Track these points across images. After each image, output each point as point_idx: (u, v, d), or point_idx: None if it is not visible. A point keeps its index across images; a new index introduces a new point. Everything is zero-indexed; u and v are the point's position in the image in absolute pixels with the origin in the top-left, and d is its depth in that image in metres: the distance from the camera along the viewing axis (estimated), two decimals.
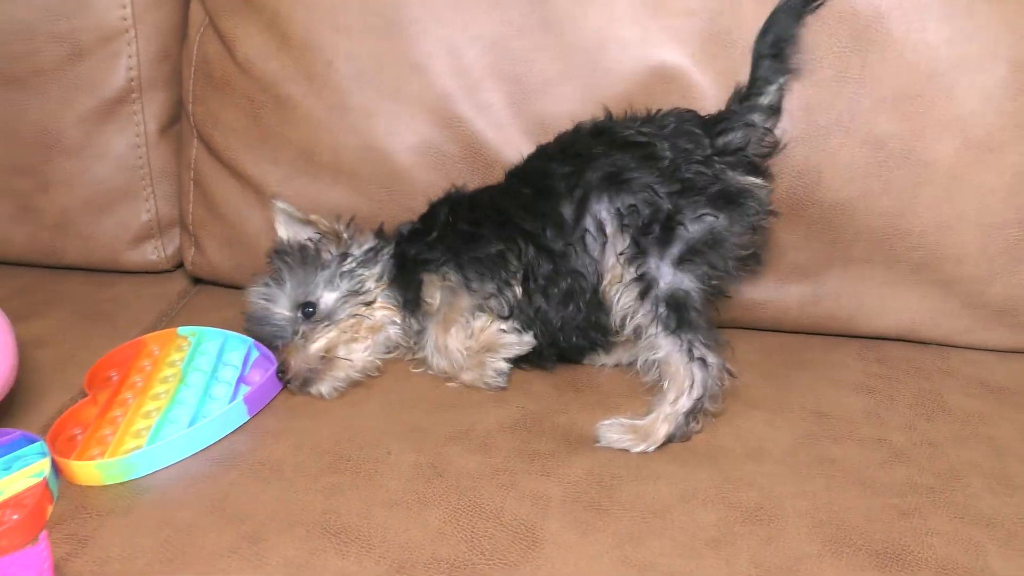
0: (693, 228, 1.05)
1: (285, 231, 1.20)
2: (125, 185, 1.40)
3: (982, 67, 1.08)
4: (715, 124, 1.10)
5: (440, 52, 1.19)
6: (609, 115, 1.14)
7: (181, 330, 1.22)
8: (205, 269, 1.38)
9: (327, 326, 1.14)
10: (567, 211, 1.09)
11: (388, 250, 1.20)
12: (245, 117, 1.27)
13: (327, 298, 1.16)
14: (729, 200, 1.06)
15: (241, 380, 1.13)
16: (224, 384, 1.12)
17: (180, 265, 1.45)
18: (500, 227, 1.12)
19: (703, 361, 1.03)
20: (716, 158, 1.07)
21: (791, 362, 1.17)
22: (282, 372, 1.11)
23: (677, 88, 1.15)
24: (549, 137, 1.18)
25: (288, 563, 0.86)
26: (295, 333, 1.14)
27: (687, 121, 1.10)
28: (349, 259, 1.18)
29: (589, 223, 1.08)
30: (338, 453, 1.01)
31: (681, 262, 1.05)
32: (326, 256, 1.18)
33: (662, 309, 1.04)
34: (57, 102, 1.35)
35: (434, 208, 1.19)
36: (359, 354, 1.15)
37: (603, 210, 1.07)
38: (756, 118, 1.10)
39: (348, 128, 1.23)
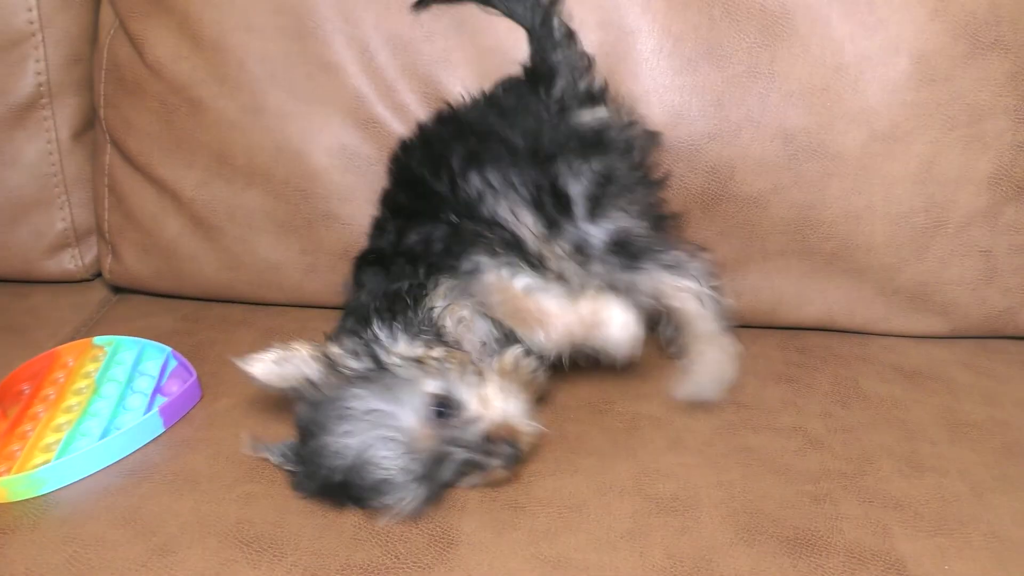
0: (577, 184, 1.05)
1: (284, 383, 0.94)
2: (38, 193, 1.36)
3: (885, 60, 1.10)
4: (541, 82, 1.10)
5: (353, 53, 1.17)
6: (450, 107, 1.13)
7: (97, 340, 1.19)
8: (124, 277, 1.35)
9: (468, 401, 0.92)
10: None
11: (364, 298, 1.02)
12: (158, 121, 1.24)
13: (428, 384, 0.91)
14: (589, 144, 1.07)
15: (158, 391, 1.11)
16: (140, 394, 1.10)
17: (99, 274, 1.41)
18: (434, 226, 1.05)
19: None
20: (559, 114, 1.08)
21: None
22: (518, 454, 0.91)
23: None
24: None
25: (198, 575, 0.84)
26: (458, 438, 0.90)
27: (522, 96, 1.10)
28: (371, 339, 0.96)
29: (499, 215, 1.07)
30: (255, 462, 0.98)
31: (593, 214, 1.05)
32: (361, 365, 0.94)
33: (612, 259, 1.04)
34: None
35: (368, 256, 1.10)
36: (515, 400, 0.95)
37: (497, 208, 1.06)
38: (563, 54, 1.11)
39: (262, 130, 1.21)
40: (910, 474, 0.96)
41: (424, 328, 0.96)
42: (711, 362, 1.07)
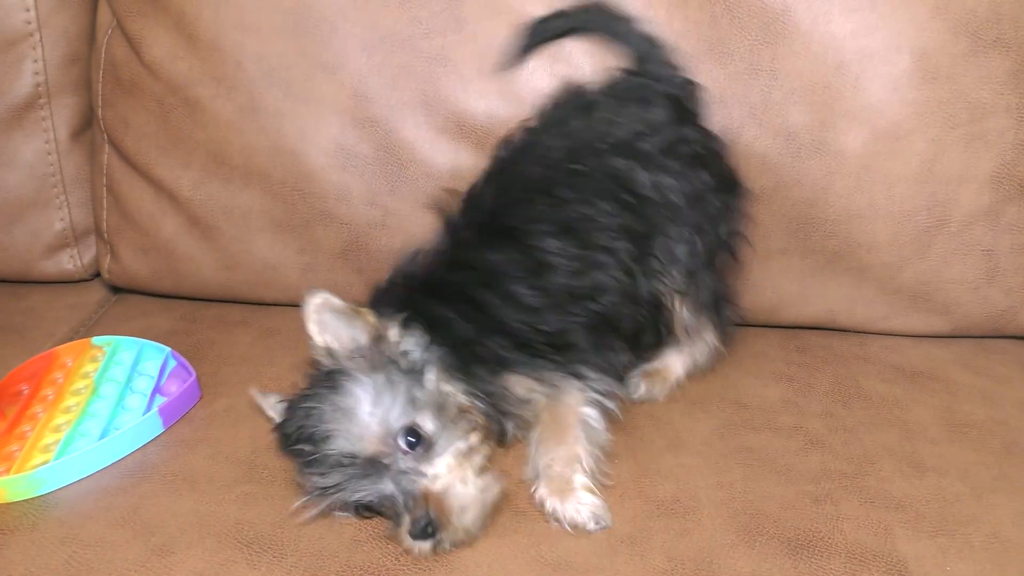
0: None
1: (323, 332, 0.92)
2: (36, 193, 1.35)
3: (887, 58, 1.10)
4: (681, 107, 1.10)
5: (350, 51, 1.17)
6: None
7: (96, 340, 1.19)
8: (122, 277, 1.35)
9: (440, 457, 0.89)
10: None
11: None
12: (155, 120, 1.24)
13: (427, 420, 0.90)
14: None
15: (157, 391, 1.10)
16: (139, 395, 1.09)
17: (98, 274, 1.41)
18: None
19: None
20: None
21: None
22: (432, 529, 0.85)
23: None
24: (465, 136, 1.17)
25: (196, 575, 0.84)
26: (401, 472, 0.87)
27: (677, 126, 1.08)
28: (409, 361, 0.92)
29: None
30: (254, 462, 0.99)
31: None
32: (402, 363, 0.92)
33: None
34: None
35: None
36: (474, 489, 0.89)
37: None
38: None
39: (259, 130, 1.20)
40: (911, 474, 0.96)
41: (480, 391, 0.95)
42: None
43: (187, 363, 1.12)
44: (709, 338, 1.11)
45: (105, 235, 1.33)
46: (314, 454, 0.88)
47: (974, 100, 1.10)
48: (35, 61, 1.30)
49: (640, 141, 1.05)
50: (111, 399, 1.08)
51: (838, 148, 1.12)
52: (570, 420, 0.96)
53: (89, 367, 1.15)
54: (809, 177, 1.14)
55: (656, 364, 1.10)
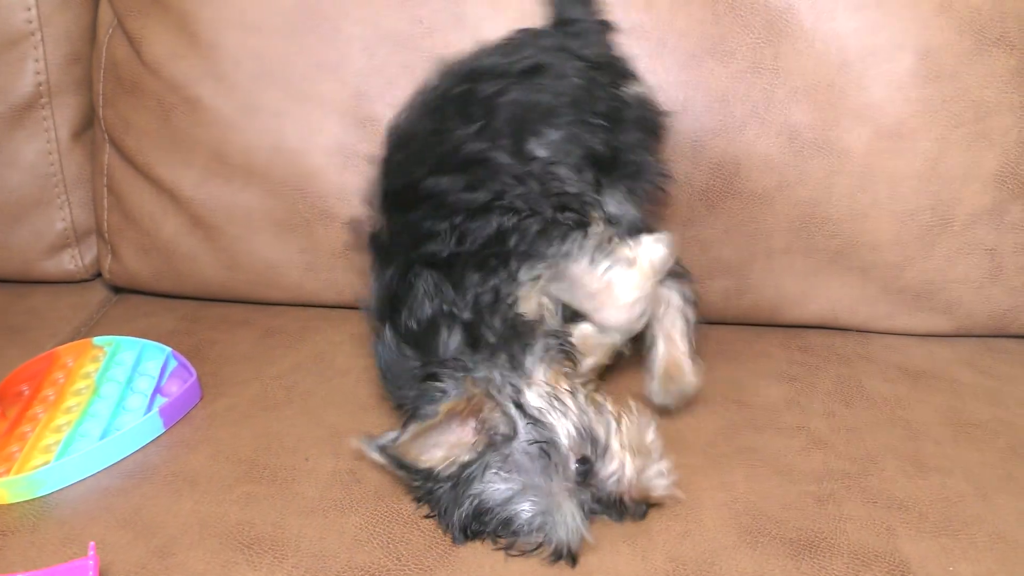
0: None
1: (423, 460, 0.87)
2: (38, 193, 1.35)
3: (891, 56, 1.09)
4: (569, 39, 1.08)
5: (351, 51, 1.17)
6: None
7: (96, 340, 1.18)
8: (123, 277, 1.35)
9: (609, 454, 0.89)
10: None
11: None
12: (156, 120, 1.23)
13: (586, 447, 0.88)
14: (637, 120, 1.08)
15: (157, 391, 1.10)
16: (140, 395, 1.09)
17: (99, 274, 1.41)
18: None
19: None
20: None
21: (715, 353, 1.17)
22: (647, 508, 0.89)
23: None
24: None
25: None
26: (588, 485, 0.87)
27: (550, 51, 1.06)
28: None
29: None
30: (255, 462, 0.98)
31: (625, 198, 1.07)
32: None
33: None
34: None
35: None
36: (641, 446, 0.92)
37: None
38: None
39: (259, 129, 1.20)
40: (914, 474, 0.95)
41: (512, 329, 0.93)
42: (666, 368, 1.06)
43: (188, 363, 1.12)
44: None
45: (106, 235, 1.33)
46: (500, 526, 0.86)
47: (978, 99, 1.09)
48: (36, 60, 1.30)
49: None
50: (112, 399, 1.08)
51: (841, 147, 1.11)
52: None
53: (90, 367, 1.15)
54: (812, 176, 1.13)
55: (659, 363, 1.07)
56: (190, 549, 0.87)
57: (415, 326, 0.94)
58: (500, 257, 0.95)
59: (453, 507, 0.86)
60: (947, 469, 0.96)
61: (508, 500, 0.85)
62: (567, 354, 0.94)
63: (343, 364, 1.16)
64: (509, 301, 0.94)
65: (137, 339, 1.18)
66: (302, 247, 1.25)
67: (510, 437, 0.86)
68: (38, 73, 1.31)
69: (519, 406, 0.87)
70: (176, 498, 0.94)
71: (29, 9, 1.28)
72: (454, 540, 0.86)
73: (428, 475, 0.87)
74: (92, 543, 0.83)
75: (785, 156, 1.13)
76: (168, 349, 1.15)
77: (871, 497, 0.92)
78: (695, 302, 1.08)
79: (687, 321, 1.07)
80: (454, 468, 0.86)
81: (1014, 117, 1.10)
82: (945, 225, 1.13)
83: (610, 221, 1.04)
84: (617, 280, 0.97)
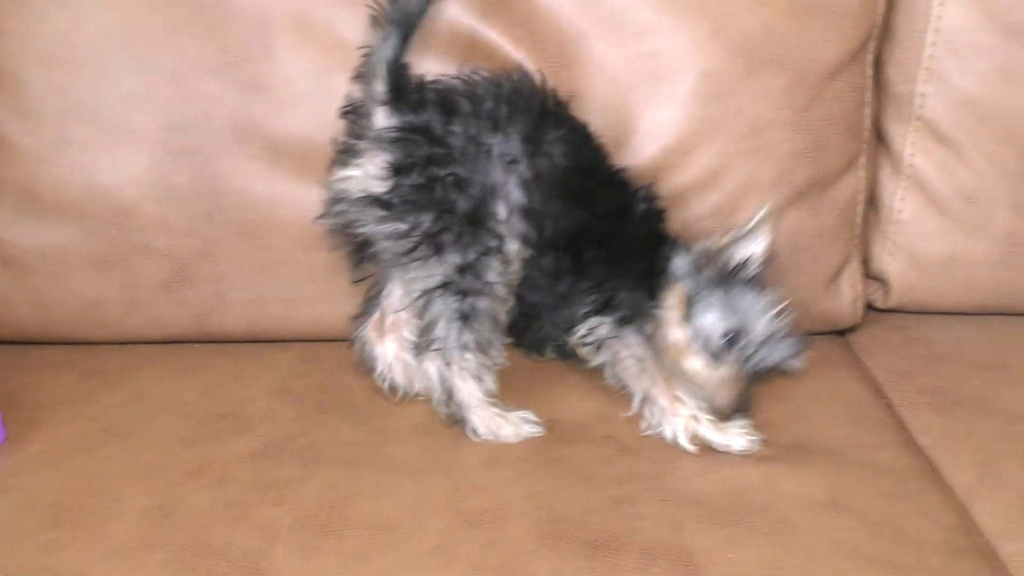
0: None
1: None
2: None
3: (673, 78, 1.17)
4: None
5: (159, 82, 1.16)
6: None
7: None
8: None
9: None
10: None
11: None
12: None
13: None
14: None
15: None
16: None
17: None
18: None
19: None
20: None
21: (531, 371, 1.20)
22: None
23: None
24: (281, 162, 1.18)
25: None
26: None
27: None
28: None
29: None
30: (62, 505, 0.96)
31: None
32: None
33: None
34: None
35: None
36: None
37: None
38: None
39: (70, 165, 1.18)
40: (708, 471, 1.01)
41: None
42: None
43: None
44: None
45: None
46: None
47: (754, 116, 1.17)
48: None
49: None
50: None
51: (632, 164, 1.17)
52: None
53: None
54: None
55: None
56: None
57: None
58: None
59: None
60: (736, 463, 1.02)
61: None
62: None
63: (163, 401, 1.15)
64: None
65: None
66: (123, 283, 1.23)
67: None
68: None
69: None
70: None
71: None
72: None
73: None
74: None
75: None
76: None
77: (666, 496, 0.97)
78: None
79: None
80: None
81: (787, 132, 1.18)
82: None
83: None
84: None
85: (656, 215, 1.16)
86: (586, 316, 1.12)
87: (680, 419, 1.05)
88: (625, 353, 1.11)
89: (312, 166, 1.16)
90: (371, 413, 1.12)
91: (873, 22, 1.19)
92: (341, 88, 1.12)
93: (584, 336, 1.13)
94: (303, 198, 1.18)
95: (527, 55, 1.17)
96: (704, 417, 1.05)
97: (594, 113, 1.16)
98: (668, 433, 1.05)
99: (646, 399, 1.08)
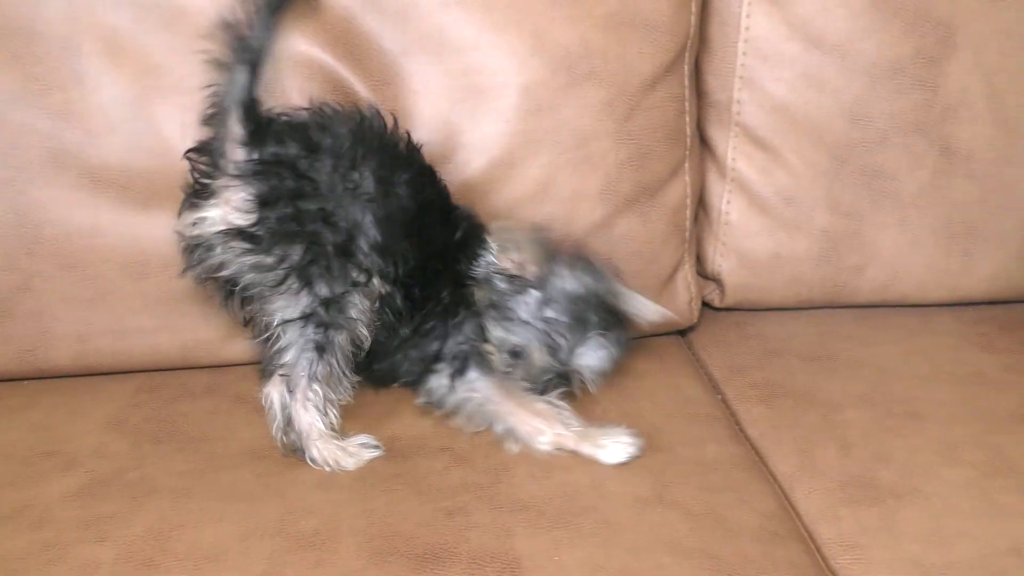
0: None
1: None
2: None
3: (498, 94, 1.19)
4: None
5: None
6: None
7: None
8: None
9: None
10: None
11: None
12: None
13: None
14: None
15: None
16: None
17: None
18: None
19: None
20: None
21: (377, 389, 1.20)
22: None
23: None
24: (102, 191, 1.14)
25: None
26: None
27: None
28: None
29: None
30: None
31: None
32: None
33: None
34: None
35: None
36: None
37: None
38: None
39: None
40: (540, 476, 1.03)
41: None
42: None
43: None
44: None
45: None
46: None
47: (577, 127, 1.21)
48: None
49: None
50: None
51: (461, 179, 1.19)
52: None
53: None
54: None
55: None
56: None
57: None
58: None
59: None
60: (570, 467, 1.05)
61: None
62: None
63: None
64: None
65: None
66: None
67: None
68: None
69: None
70: None
71: None
72: None
73: None
74: None
75: None
76: None
77: (498, 504, 0.98)
78: None
79: None
80: None
81: (610, 141, 1.22)
82: (563, 241, 1.22)
83: None
84: None
85: (475, 231, 1.16)
86: (424, 376, 1.15)
87: (544, 446, 1.07)
88: (472, 399, 1.12)
89: (134, 194, 1.14)
90: (206, 439, 1.10)
91: (687, 34, 1.25)
92: (159, 113, 1.10)
93: (428, 399, 1.15)
94: (127, 226, 1.16)
95: (350, 74, 1.17)
96: (568, 433, 1.07)
97: (420, 129, 1.17)
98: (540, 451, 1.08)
99: (507, 433, 1.09)
